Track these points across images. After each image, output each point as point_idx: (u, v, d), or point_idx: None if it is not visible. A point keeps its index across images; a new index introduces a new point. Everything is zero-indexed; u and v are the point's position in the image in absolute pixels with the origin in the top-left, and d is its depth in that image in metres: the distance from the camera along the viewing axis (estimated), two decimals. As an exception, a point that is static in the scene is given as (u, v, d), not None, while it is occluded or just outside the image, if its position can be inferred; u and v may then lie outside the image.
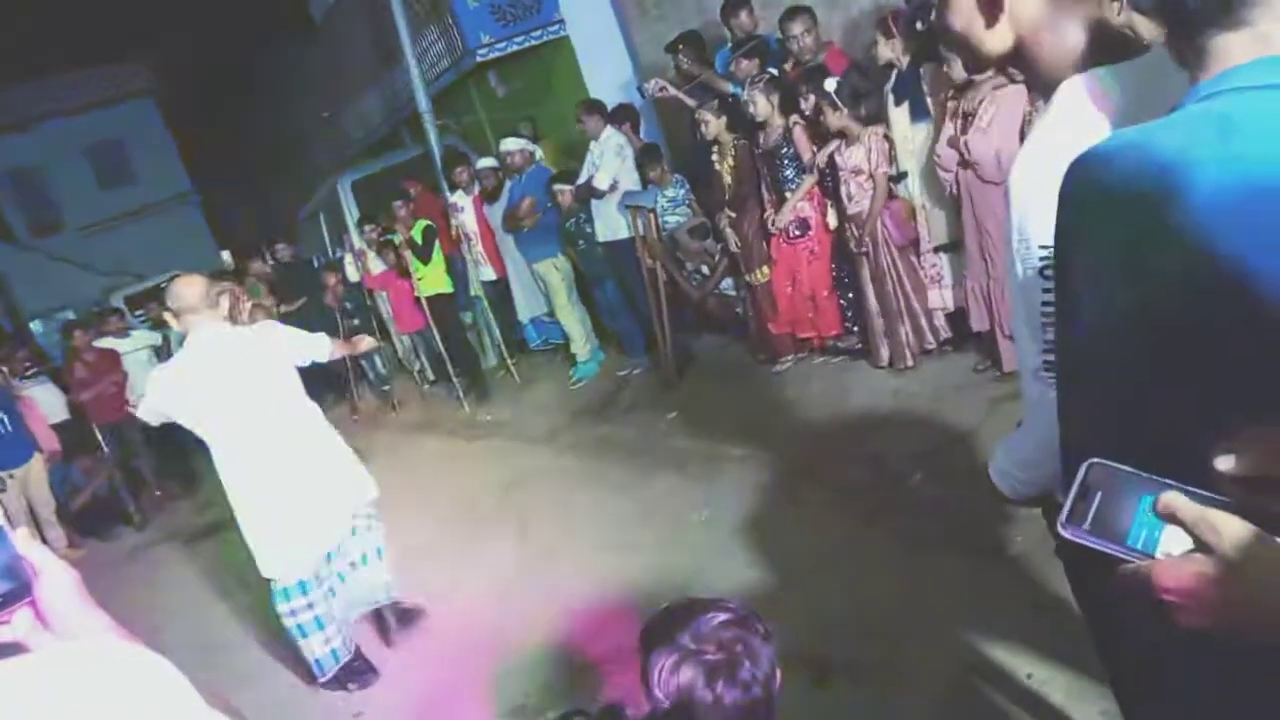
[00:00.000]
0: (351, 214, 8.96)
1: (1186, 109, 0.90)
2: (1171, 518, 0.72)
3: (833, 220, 5.00)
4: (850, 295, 5.14)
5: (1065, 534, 0.75)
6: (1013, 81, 3.79)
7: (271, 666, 4.09)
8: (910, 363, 4.83)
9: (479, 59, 8.27)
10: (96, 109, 18.99)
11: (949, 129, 4.11)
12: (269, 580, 3.48)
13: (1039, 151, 1.18)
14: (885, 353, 4.93)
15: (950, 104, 4.14)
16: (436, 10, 8.55)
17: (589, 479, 5.09)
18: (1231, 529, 0.69)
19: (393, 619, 3.94)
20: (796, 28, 5.16)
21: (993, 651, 2.69)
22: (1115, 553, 0.73)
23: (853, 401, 4.82)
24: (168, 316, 3.41)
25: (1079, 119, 1.13)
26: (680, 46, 6.04)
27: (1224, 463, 0.73)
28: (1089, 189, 0.91)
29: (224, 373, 3.23)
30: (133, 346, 8.09)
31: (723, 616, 1.32)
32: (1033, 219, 1.17)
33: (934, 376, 4.70)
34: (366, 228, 7.91)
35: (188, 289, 3.28)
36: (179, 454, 8.06)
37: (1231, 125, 0.85)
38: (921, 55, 4.38)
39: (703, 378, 6.09)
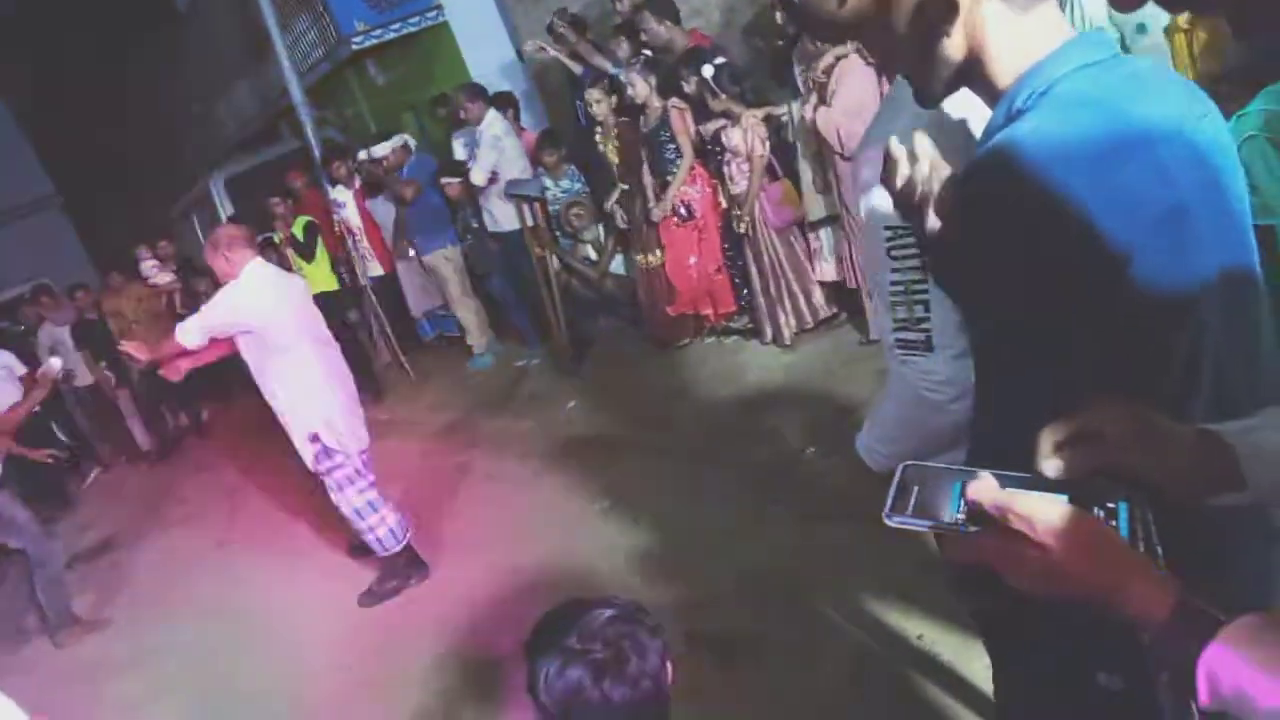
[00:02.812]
0: (225, 212, 8.56)
1: (1057, 93, 0.94)
2: (979, 510, 0.75)
3: (724, 200, 5.03)
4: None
5: (890, 523, 0.81)
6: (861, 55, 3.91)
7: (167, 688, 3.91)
8: (788, 341, 4.91)
9: (354, 47, 7.99)
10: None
11: (810, 104, 4.20)
12: (338, 468, 3.89)
13: (884, 131, 1.19)
14: (770, 331, 5.00)
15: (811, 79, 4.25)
16: (306, -3, 8.23)
17: (488, 474, 5.02)
18: (1043, 515, 0.72)
19: None
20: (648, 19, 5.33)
21: (888, 617, 2.77)
22: (938, 529, 0.79)
23: (747, 380, 4.88)
24: (220, 261, 3.81)
25: (914, 104, 1.14)
26: (557, 16, 6.03)
27: (1050, 468, 0.78)
28: (998, 181, 0.95)
29: (288, 290, 3.91)
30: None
31: (608, 613, 1.29)
32: (877, 201, 1.18)
33: (824, 351, 4.80)
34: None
35: (237, 232, 3.94)
36: (49, 474, 7.59)
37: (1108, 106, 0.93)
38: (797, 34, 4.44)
39: (601, 364, 6.07)
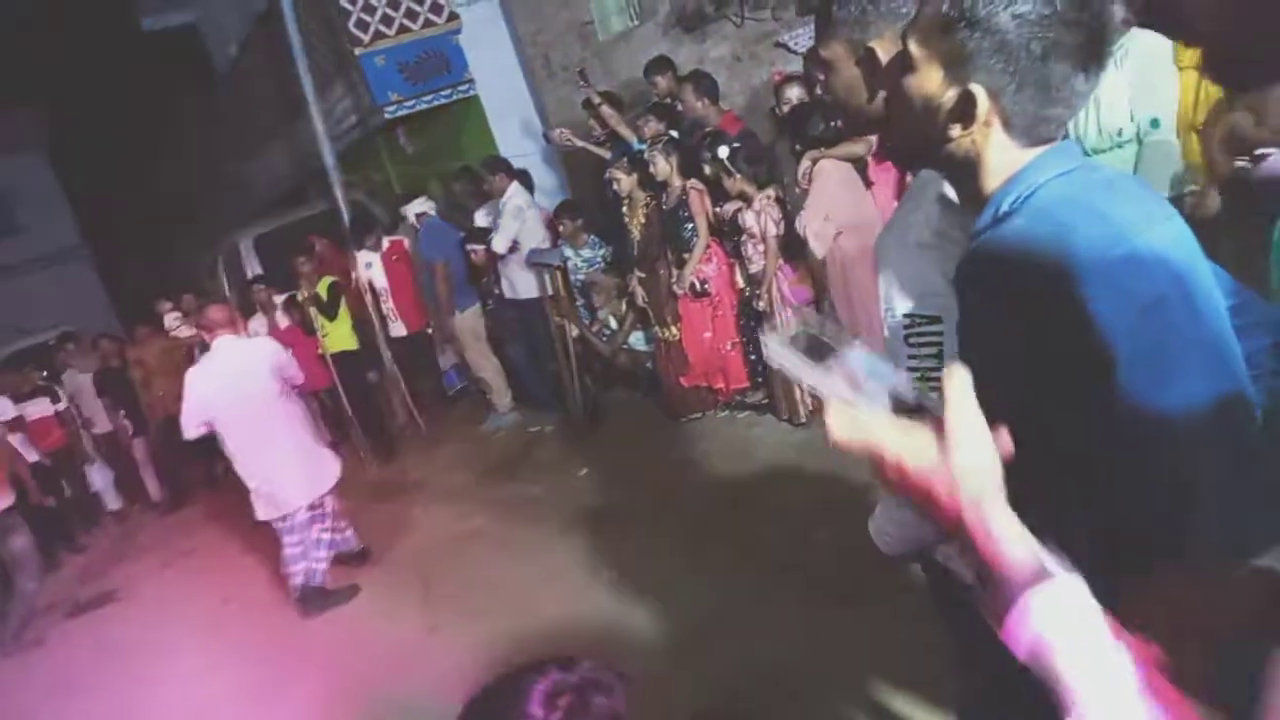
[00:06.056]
0: (252, 270, 8.73)
1: (1040, 197, 1.01)
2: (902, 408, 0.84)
3: (740, 279, 5.11)
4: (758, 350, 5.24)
5: (767, 342, 0.86)
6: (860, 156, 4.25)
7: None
8: (804, 419, 4.93)
9: (387, 117, 8.23)
10: (-19, 159, 18.10)
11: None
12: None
13: (901, 226, 1.24)
14: (786, 408, 5.03)
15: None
16: (343, 67, 8.51)
17: (496, 539, 5.00)
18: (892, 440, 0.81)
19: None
20: (659, 79, 5.73)
21: (893, 703, 2.73)
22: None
23: (759, 456, 4.88)
24: (202, 332, 5.03)
25: (929, 200, 1.20)
26: (580, 76, 6.25)
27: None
28: (993, 276, 1.01)
29: (237, 371, 4.68)
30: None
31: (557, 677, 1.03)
32: (895, 288, 1.23)
33: (837, 430, 4.80)
34: (256, 287, 7.76)
35: (207, 315, 4.90)
36: (59, 521, 7.62)
37: (1085, 207, 0.99)
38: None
39: (614, 434, 6.09)
